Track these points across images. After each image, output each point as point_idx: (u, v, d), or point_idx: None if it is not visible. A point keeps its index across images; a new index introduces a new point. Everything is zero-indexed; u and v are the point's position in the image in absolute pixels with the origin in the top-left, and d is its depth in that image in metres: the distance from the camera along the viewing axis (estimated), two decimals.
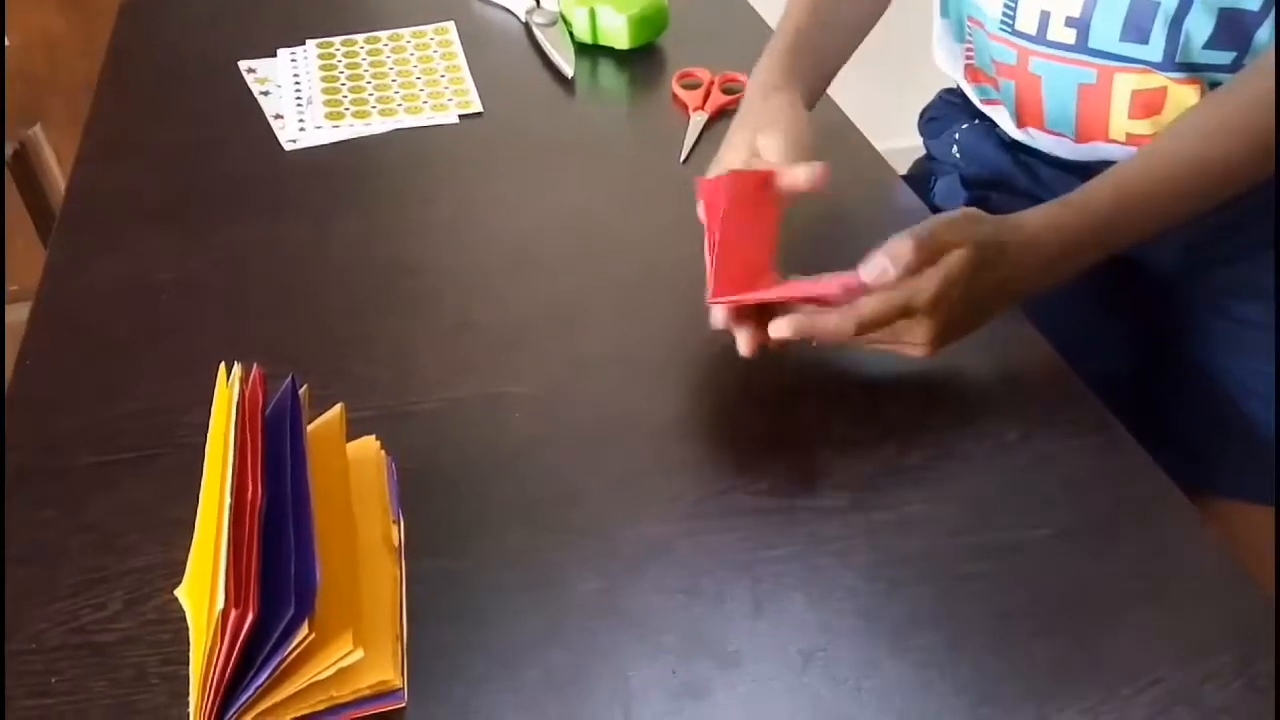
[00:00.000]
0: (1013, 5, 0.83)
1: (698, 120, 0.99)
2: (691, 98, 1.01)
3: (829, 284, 0.66)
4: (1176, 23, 0.77)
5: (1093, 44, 0.80)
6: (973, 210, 0.70)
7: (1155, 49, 0.78)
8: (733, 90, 1.02)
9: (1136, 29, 0.78)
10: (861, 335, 0.66)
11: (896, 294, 0.65)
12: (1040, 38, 0.83)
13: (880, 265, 0.65)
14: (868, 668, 0.55)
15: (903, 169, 1.04)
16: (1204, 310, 0.89)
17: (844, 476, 0.65)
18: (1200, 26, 0.76)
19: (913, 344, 0.67)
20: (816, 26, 0.89)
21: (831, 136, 0.96)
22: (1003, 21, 0.85)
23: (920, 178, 1.03)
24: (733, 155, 0.78)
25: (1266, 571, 0.72)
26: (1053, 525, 0.62)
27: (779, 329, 0.66)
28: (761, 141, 0.77)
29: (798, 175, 0.72)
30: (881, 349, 0.69)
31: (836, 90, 1.04)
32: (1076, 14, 0.80)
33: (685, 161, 0.94)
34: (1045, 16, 0.81)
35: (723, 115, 0.99)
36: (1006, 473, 0.65)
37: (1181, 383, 0.91)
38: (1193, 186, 0.74)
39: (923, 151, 1.07)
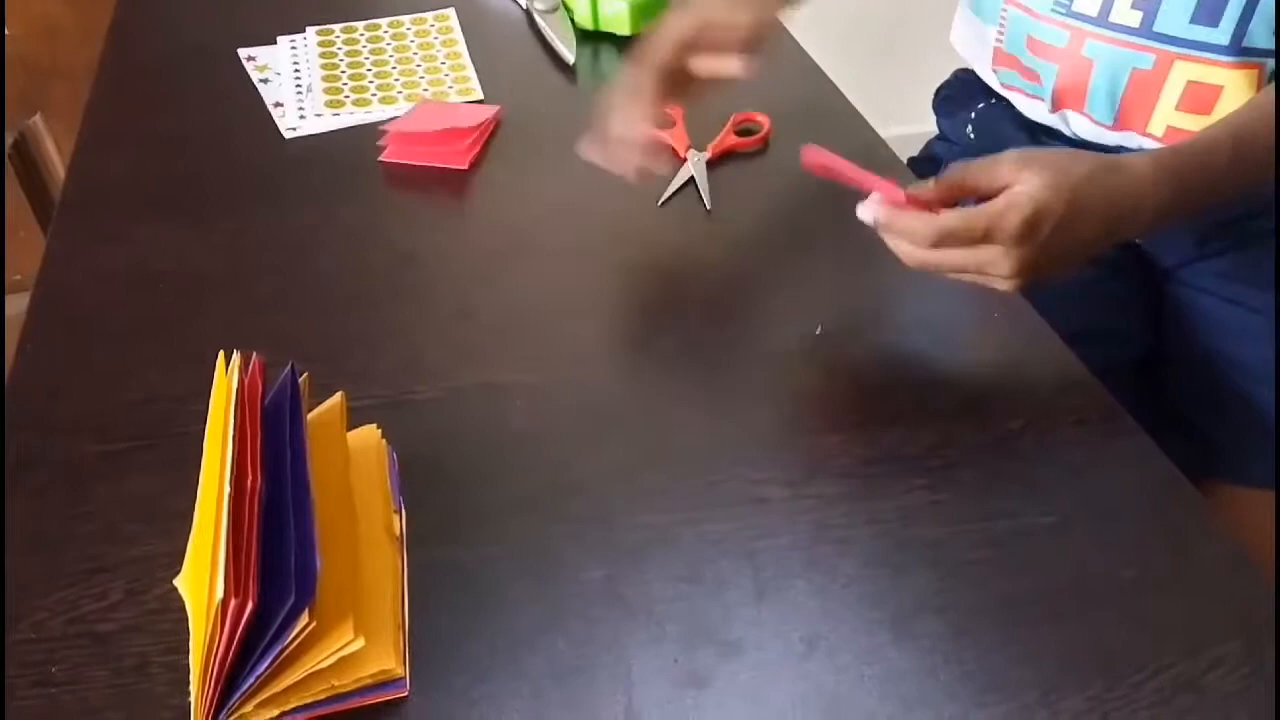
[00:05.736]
0: None
1: (696, 163, 0.87)
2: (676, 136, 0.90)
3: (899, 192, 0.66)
4: (1251, 3, 0.76)
5: (1158, 27, 0.80)
6: (1063, 154, 0.67)
7: (1224, 31, 0.78)
8: (750, 131, 0.92)
9: (1209, 10, 0.78)
10: (939, 249, 0.64)
11: (979, 215, 0.63)
12: (1102, 19, 0.82)
13: (927, 184, 0.65)
14: (871, 655, 0.54)
15: (910, 155, 1.03)
16: (1209, 296, 0.89)
17: (846, 464, 0.65)
18: (1273, 5, 0.76)
19: (997, 275, 0.65)
20: None
21: (833, 121, 0.96)
22: (1057, 2, 0.84)
23: (929, 161, 1.02)
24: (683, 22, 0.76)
25: (1271, 558, 0.72)
26: (1057, 512, 0.62)
27: (864, 212, 0.66)
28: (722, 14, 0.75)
29: (729, 66, 0.72)
30: (966, 279, 0.66)
31: (842, 74, 1.03)
32: None
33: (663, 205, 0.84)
34: None
35: (729, 158, 0.90)
36: (1010, 460, 0.65)
37: (1187, 368, 0.91)
38: None
39: (930, 136, 1.06)
